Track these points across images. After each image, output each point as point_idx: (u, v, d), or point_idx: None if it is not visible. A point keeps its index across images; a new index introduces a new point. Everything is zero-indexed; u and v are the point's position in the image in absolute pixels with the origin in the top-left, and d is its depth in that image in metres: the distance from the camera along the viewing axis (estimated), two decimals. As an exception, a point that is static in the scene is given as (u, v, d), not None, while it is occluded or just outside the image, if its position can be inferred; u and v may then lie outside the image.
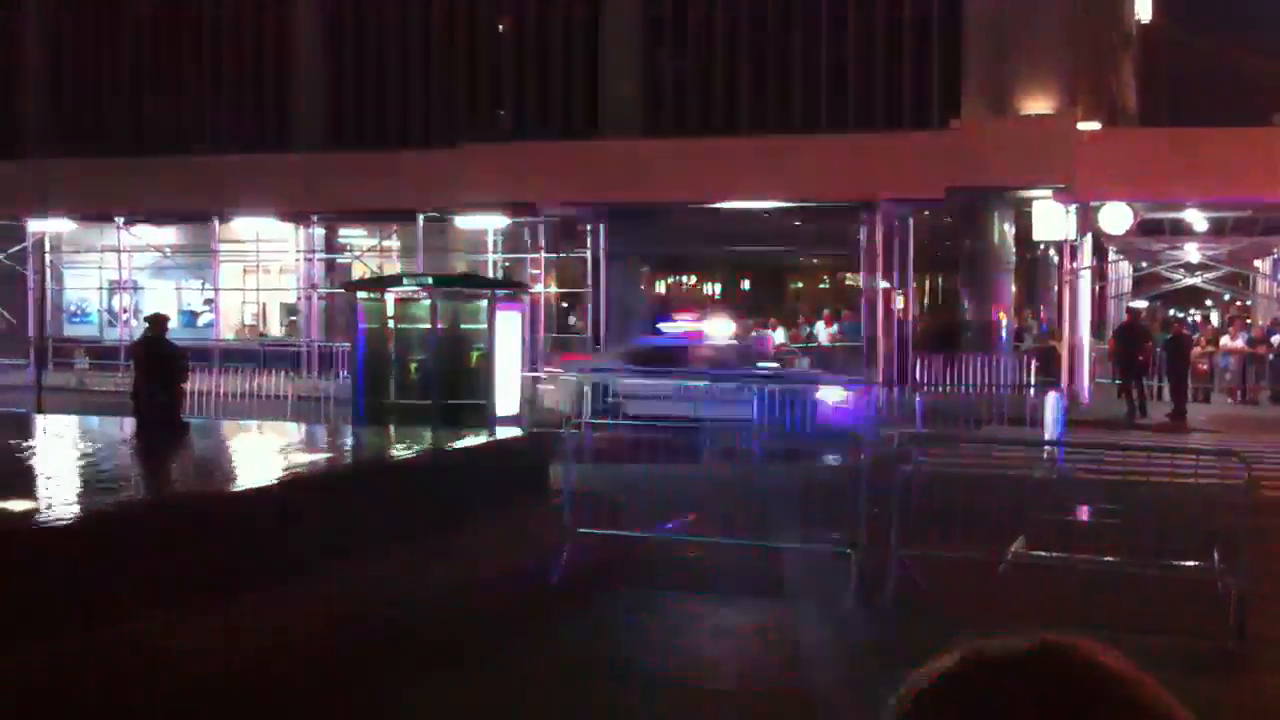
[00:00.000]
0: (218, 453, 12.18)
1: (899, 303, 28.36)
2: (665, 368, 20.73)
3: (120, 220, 32.44)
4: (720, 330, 23.33)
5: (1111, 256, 34.29)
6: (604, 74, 32.48)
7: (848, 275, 35.06)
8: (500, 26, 34.20)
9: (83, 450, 12.13)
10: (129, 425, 13.55)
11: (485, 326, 17.28)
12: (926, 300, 40.02)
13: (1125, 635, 8.66)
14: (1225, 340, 28.54)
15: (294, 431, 15.74)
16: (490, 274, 29.28)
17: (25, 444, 12.09)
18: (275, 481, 9.93)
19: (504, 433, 14.98)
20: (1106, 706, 1.16)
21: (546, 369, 24.32)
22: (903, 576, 9.58)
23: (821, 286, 42.60)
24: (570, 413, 18.14)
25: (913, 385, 23.30)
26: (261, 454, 12.78)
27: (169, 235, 34.87)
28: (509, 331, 17.68)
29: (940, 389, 23.83)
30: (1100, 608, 9.24)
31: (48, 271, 34.40)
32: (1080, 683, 1.17)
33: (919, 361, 25.72)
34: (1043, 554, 10.28)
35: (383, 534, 9.31)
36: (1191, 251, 32.08)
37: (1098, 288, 30.48)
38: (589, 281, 29.51)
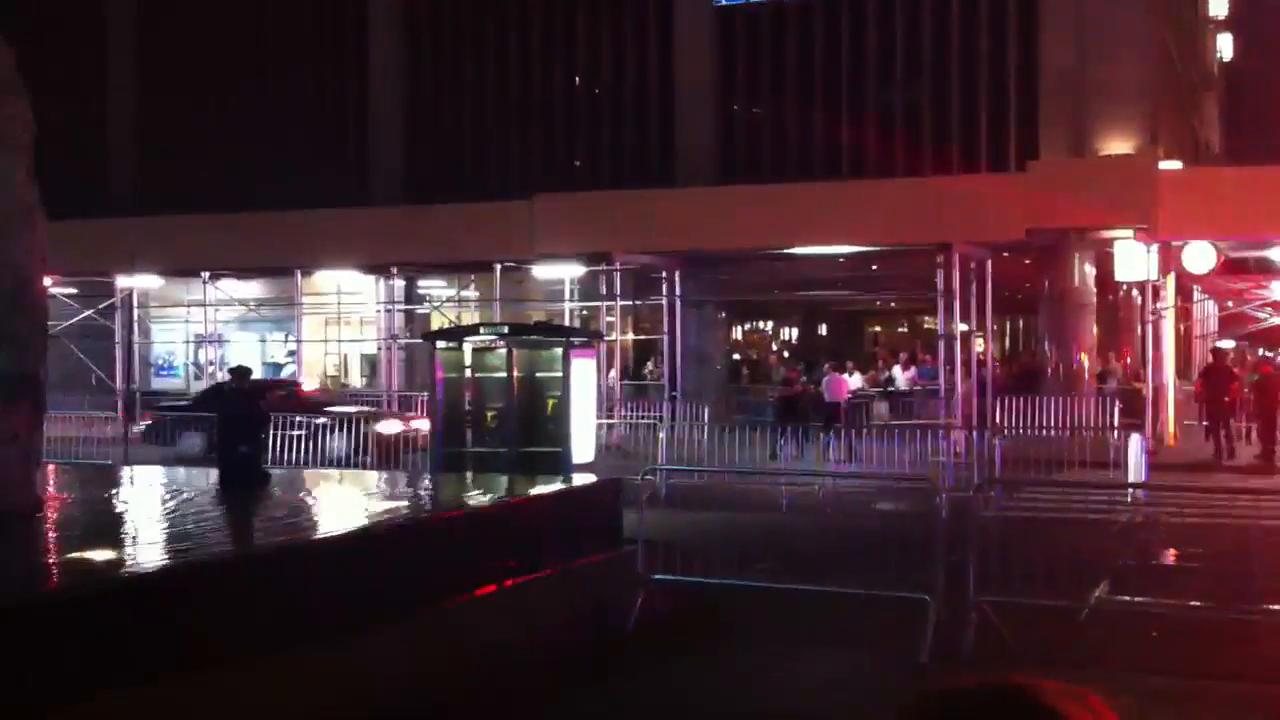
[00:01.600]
0: (298, 504, 12.34)
1: (978, 345, 28.09)
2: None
3: (206, 275, 33.13)
4: None
5: (1196, 296, 33.71)
6: (678, 122, 32.69)
7: (926, 319, 34.87)
8: (576, 78, 34.59)
9: (165, 501, 12.35)
10: (212, 477, 13.76)
11: (560, 374, 17.39)
12: (1007, 343, 39.67)
13: (1210, 681, 8.49)
14: (1315, 380, 27.87)
15: (373, 481, 15.90)
16: (567, 322, 29.48)
17: (105, 495, 12.34)
18: (350, 530, 10.04)
19: (579, 479, 15.02)
20: None
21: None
22: (982, 624, 9.45)
23: (900, 330, 42.41)
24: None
25: (992, 429, 23.02)
26: (338, 504, 12.93)
27: (253, 289, 35.56)
28: (584, 379, 17.78)
29: (1021, 432, 23.52)
30: (1183, 653, 9.06)
31: (135, 326, 35.16)
32: None
33: (999, 404, 25.44)
34: (1126, 599, 10.10)
35: (458, 581, 9.35)
36: (1278, 290, 31.45)
37: (1182, 328, 29.99)
38: (665, 328, 29.59)
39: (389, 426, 23.60)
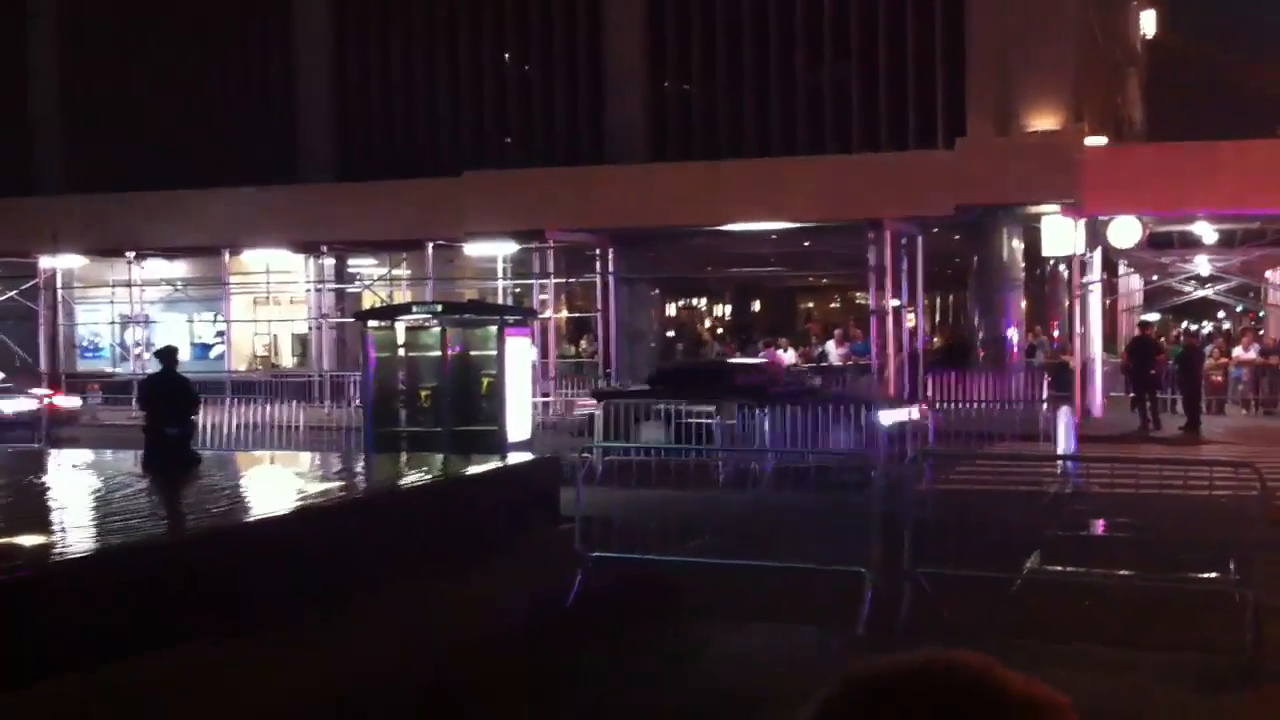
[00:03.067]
0: (228, 485, 12.18)
1: (909, 321, 28.34)
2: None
3: (131, 255, 32.59)
4: None
5: (1121, 271, 34.24)
6: (609, 100, 32.58)
7: (858, 294, 35.09)
8: (505, 55, 34.36)
9: (93, 485, 12.15)
10: (140, 459, 13.56)
11: (495, 353, 17.31)
12: (937, 318, 40.05)
13: (1142, 650, 8.63)
14: (1238, 352, 28.46)
15: (305, 461, 15.75)
16: (500, 300, 29.34)
17: (31, 480, 12.14)
18: (285, 513, 9.93)
19: (515, 457, 14.98)
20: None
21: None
22: (917, 596, 9.54)
23: (832, 306, 42.67)
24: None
25: (924, 403, 23.24)
26: (270, 485, 12.79)
27: (180, 269, 35.01)
28: (519, 357, 17.71)
29: (952, 406, 23.77)
30: (1116, 623, 9.20)
31: (59, 307, 34.53)
32: (971, 702, 1.10)
33: (930, 379, 25.69)
34: (1058, 569, 10.24)
35: (394, 561, 9.30)
36: (1202, 264, 32.01)
37: (1108, 302, 30.45)
38: (598, 306, 29.55)
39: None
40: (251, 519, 9.85)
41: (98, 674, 6.77)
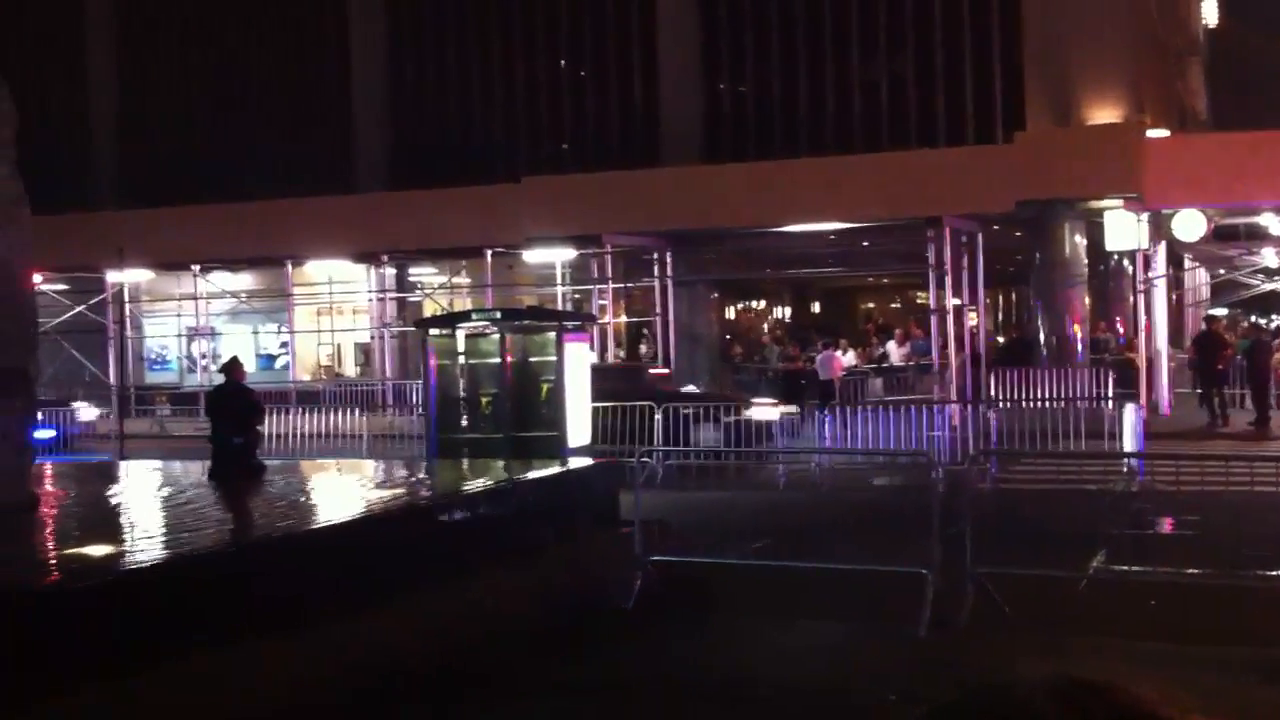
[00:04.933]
0: (295, 493, 12.34)
1: (971, 319, 28.11)
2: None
3: (196, 268, 33.05)
4: None
5: (1187, 265, 33.74)
6: (663, 102, 32.62)
7: (918, 294, 34.87)
8: (560, 60, 34.49)
9: (160, 494, 12.34)
10: (206, 469, 13.78)
11: (554, 358, 17.38)
12: (1000, 316, 39.71)
13: (1207, 646, 8.52)
14: (1307, 344, 27.95)
15: (369, 469, 15.90)
16: (559, 306, 29.44)
17: (104, 492, 12.35)
18: (351, 517, 10.05)
19: (575, 462, 15.03)
20: None
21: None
22: (980, 596, 9.47)
23: (893, 306, 42.44)
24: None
25: (987, 402, 23.05)
26: (336, 492, 12.93)
27: (244, 281, 35.47)
28: (578, 362, 17.76)
29: (1015, 405, 23.54)
30: (1182, 620, 9.09)
31: (127, 321, 35.06)
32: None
33: (993, 377, 25.46)
34: (1123, 568, 10.13)
35: (456, 565, 9.38)
36: (1269, 256, 31.49)
37: (1174, 296, 30.03)
38: (657, 309, 29.57)
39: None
40: (321, 524, 10.00)
41: (191, 663, 7.02)
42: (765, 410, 20.91)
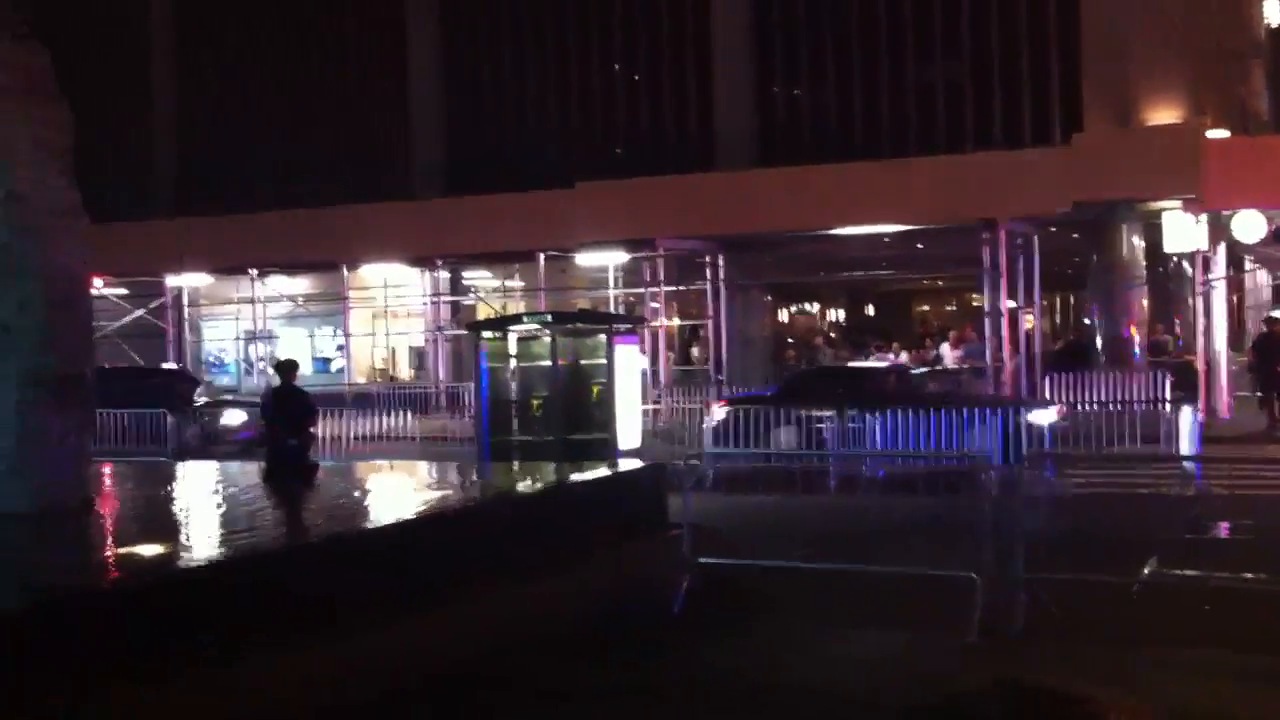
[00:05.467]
0: (348, 493, 12.44)
1: (1027, 321, 27.85)
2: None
3: (254, 272, 33.42)
4: None
5: (1247, 266, 33.23)
6: (717, 106, 32.59)
7: (973, 296, 34.61)
8: (614, 65, 34.56)
9: (213, 493, 12.48)
10: (261, 470, 13.93)
11: (605, 361, 17.42)
12: (1056, 318, 39.32)
13: (1263, 655, 8.39)
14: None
15: (421, 470, 16.00)
16: (612, 309, 29.49)
17: (160, 491, 12.48)
18: (404, 518, 10.12)
19: (625, 465, 15.04)
20: None
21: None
22: (1031, 601, 9.38)
23: (948, 308, 42.15)
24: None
25: (1042, 404, 22.80)
26: (387, 492, 13.01)
27: (301, 285, 35.83)
28: (629, 365, 17.79)
29: (1072, 408, 23.27)
30: (1237, 627, 8.96)
31: (186, 325, 35.54)
32: None
33: (1048, 380, 25.22)
34: (1178, 573, 9.99)
35: (506, 566, 9.42)
36: (1332, 258, 30.97)
37: (1234, 299, 29.60)
38: (709, 313, 29.54)
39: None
40: (369, 524, 10.07)
41: (266, 659, 7.16)
42: (1043, 414, 19.89)
